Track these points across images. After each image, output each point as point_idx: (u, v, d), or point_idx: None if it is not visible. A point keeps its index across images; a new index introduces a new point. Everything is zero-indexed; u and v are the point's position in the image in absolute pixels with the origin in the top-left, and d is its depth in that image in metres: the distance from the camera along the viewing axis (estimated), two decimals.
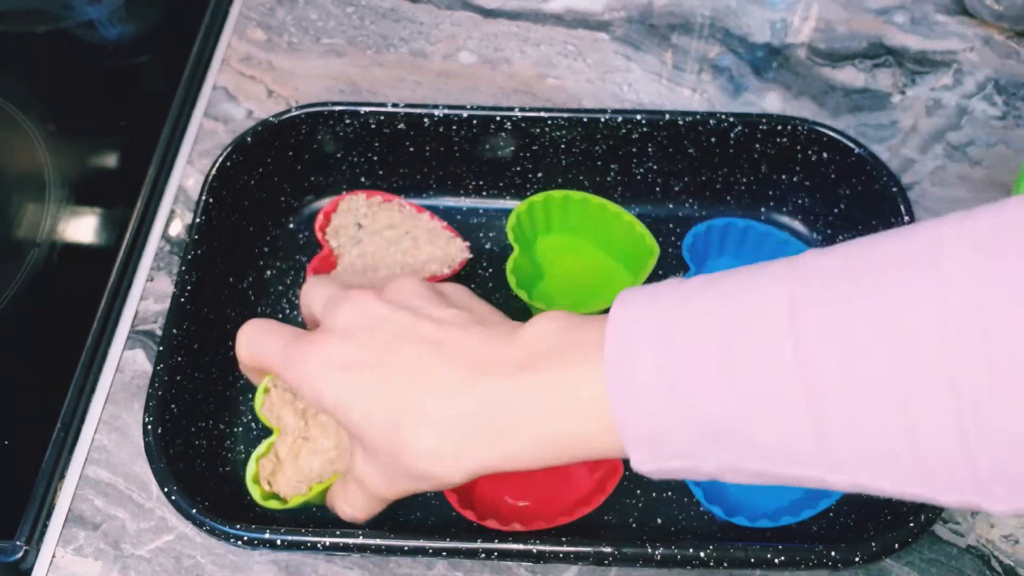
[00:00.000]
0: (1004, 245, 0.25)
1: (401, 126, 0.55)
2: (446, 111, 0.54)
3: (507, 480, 0.48)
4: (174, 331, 0.47)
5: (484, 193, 0.58)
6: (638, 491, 0.48)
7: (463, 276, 0.55)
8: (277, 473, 0.46)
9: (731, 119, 0.53)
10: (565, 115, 0.53)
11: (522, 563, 0.46)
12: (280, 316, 0.54)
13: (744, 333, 0.28)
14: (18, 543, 0.46)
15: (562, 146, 0.55)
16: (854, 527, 0.46)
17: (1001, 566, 0.45)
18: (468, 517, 0.44)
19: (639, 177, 0.57)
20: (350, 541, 0.41)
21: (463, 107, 0.54)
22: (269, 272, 0.56)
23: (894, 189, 0.51)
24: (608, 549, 0.40)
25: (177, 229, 0.58)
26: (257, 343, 0.40)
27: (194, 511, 0.42)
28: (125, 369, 0.52)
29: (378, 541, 0.41)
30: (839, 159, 0.53)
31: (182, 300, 0.48)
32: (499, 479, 0.48)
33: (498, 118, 0.54)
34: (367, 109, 0.54)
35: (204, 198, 0.52)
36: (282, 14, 0.68)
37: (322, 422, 0.47)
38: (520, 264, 0.53)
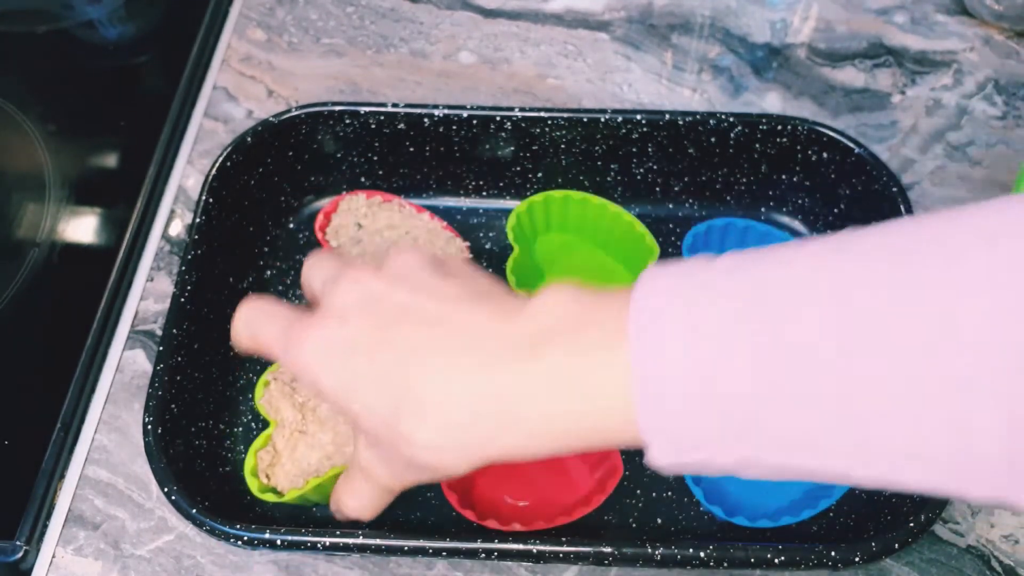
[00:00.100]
0: None
1: (401, 126, 0.55)
2: (446, 111, 0.54)
3: (507, 480, 0.48)
4: (174, 331, 0.47)
5: (484, 193, 0.58)
6: (638, 491, 0.48)
7: None
8: (275, 466, 0.46)
9: (731, 119, 0.53)
10: (565, 115, 0.53)
11: (522, 563, 0.46)
12: None
13: (781, 317, 0.26)
14: (18, 543, 0.46)
15: (562, 146, 0.55)
16: (854, 527, 0.46)
17: (1001, 566, 0.45)
18: (468, 517, 0.44)
19: (639, 177, 0.57)
20: (350, 541, 0.41)
21: (463, 107, 0.54)
22: (269, 272, 0.56)
23: (894, 189, 0.51)
24: (608, 549, 0.40)
25: (177, 229, 0.58)
26: (255, 325, 0.38)
27: (194, 511, 0.42)
28: (125, 369, 0.52)
29: (378, 541, 0.41)
30: (839, 159, 0.53)
31: (182, 300, 0.48)
32: (499, 479, 0.48)
33: (498, 118, 0.54)
34: (367, 109, 0.54)
35: (204, 198, 0.52)
36: (282, 14, 0.68)
37: (320, 416, 0.47)
38: (520, 264, 0.53)
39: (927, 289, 0.25)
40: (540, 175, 0.57)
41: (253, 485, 0.44)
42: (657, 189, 0.57)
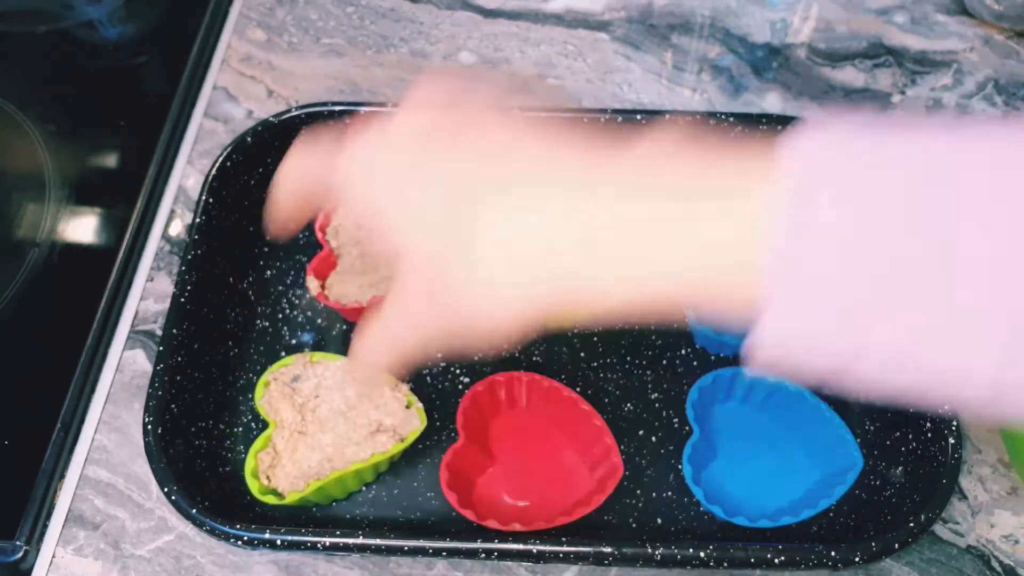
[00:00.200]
0: None
1: None
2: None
3: (507, 480, 0.48)
4: (174, 331, 0.47)
5: None
6: (638, 491, 0.48)
7: None
8: (275, 467, 0.46)
9: (731, 119, 0.53)
10: (565, 115, 0.53)
11: (522, 563, 0.46)
12: (280, 316, 0.54)
13: (929, 181, 0.24)
14: (18, 543, 0.46)
15: None
16: (854, 527, 0.46)
17: (1001, 566, 0.45)
18: (468, 517, 0.44)
19: None
20: (350, 541, 0.41)
21: None
22: (269, 272, 0.56)
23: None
24: (608, 549, 0.40)
25: (177, 229, 0.58)
26: (302, 168, 0.34)
27: (194, 511, 0.42)
28: (125, 369, 0.52)
29: (378, 541, 0.41)
30: None
31: (182, 300, 0.48)
32: (499, 479, 0.48)
33: None
34: (367, 109, 0.54)
35: (204, 198, 0.52)
36: (282, 14, 0.68)
37: (320, 417, 0.47)
38: None
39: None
40: None
41: (254, 487, 0.45)
42: None
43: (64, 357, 0.51)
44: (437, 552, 0.41)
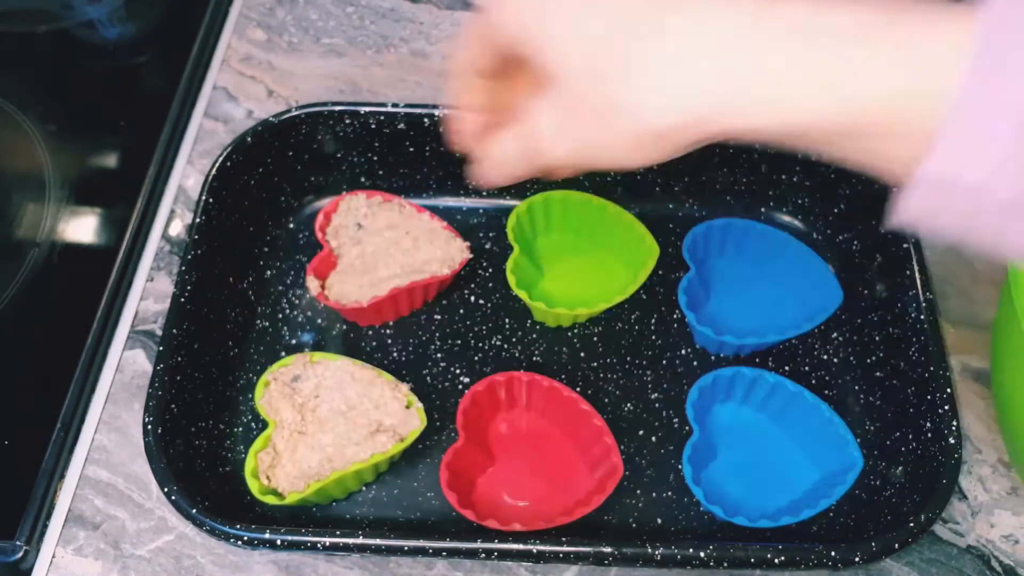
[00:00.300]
0: None
1: (401, 126, 0.55)
2: (446, 111, 0.54)
3: (507, 480, 0.48)
4: (174, 331, 0.47)
5: (484, 193, 0.58)
6: (638, 491, 0.48)
7: (463, 276, 0.55)
8: (275, 467, 0.46)
9: None
10: None
11: (522, 563, 0.46)
12: (280, 316, 0.54)
13: None
14: (18, 543, 0.46)
15: None
16: (854, 527, 0.46)
17: (1001, 566, 0.45)
18: (468, 517, 0.44)
19: (639, 177, 0.57)
20: (350, 541, 0.41)
21: None
22: (269, 272, 0.56)
23: (895, 189, 0.51)
24: (608, 549, 0.40)
25: (177, 229, 0.58)
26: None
27: (194, 511, 0.42)
28: (125, 369, 0.52)
29: (378, 541, 0.41)
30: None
31: (182, 300, 0.48)
32: (499, 479, 0.48)
33: None
34: (367, 109, 0.54)
35: (204, 198, 0.52)
36: (282, 14, 0.68)
37: (320, 417, 0.47)
38: (520, 264, 0.53)
39: None
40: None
41: (254, 487, 0.45)
42: (657, 189, 0.57)
43: (64, 357, 0.51)
44: (437, 552, 0.41)
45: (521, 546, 0.40)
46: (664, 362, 0.52)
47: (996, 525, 0.47)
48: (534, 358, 0.53)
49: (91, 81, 0.65)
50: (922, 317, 0.47)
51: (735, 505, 0.46)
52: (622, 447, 0.48)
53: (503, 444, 0.49)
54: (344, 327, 0.54)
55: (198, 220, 0.51)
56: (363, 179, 0.58)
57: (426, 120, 0.54)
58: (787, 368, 0.52)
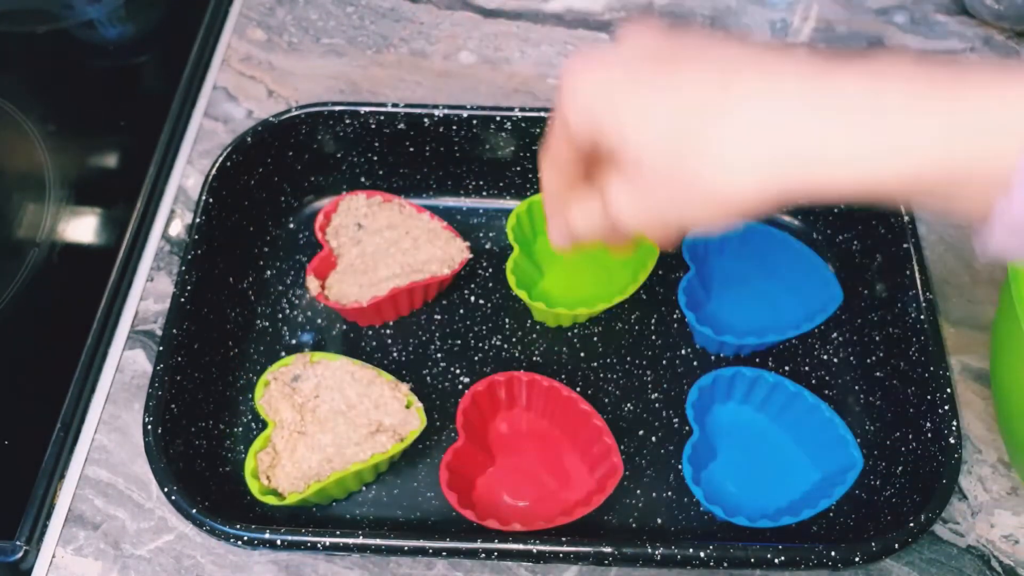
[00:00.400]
0: None
1: (401, 126, 0.55)
2: (446, 111, 0.54)
3: (507, 480, 0.48)
4: (174, 331, 0.47)
5: (484, 193, 0.58)
6: (638, 491, 0.48)
7: (463, 276, 0.55)
8: (275, 467, 0.46)
9: None
10: None
11: (522, 563, 0.46)
12: (280, 316, 0.54)
13: None
14: (18, 543, 0.46)
15: None
16: (854, 527, 0.46)
17: (1001, 566, 0.45)
18: (468, 517, 0.44)
19: None
20: (350, 541, 0.41)
21: (463, 107, 0.54)
22: (269, 272, 0.56)
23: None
24: (608, 549, 0.40)
25: (177, 229, 0.58)
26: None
27: (194, 511, 0.42)
28: (125, 369, 0.52)
29: (378, 541, 0.41)
30: None
31: (182, 300, 0.48)
32: (499, 479, 0.48)
33: (498, 118, 0.54)
34: (367, 109, 0.54)
35: (204, 198, 0.52)
36: (282, 14, 0.68)
37: (320, 417, 0.47)
38: (520, 264, 0.53)
39: None
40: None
41: (254, 487, 0.45)
42: None
43: (64, 357, 0.51)
44: (437, 552, 0.41)
45: (521, 546, 0.40)
46: (664, 362, 0.52)
47: (996, 525, 0.47)
48: (534, 358, 0.53)
49: (91, 81, 0.65)
50: (922, 317, 0.47)
51: (735, 505, 0.46)
52: (622, 447, 0.48)
53: (503, 444, 0.49)
54: (344, 327, 0.54)
55: (198, 220, 0.51)
56: (363, 179, 0.58)
57: (426, 120, 0.54)
58: (787, 368, 0.52)
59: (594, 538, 0.41)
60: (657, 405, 0.51)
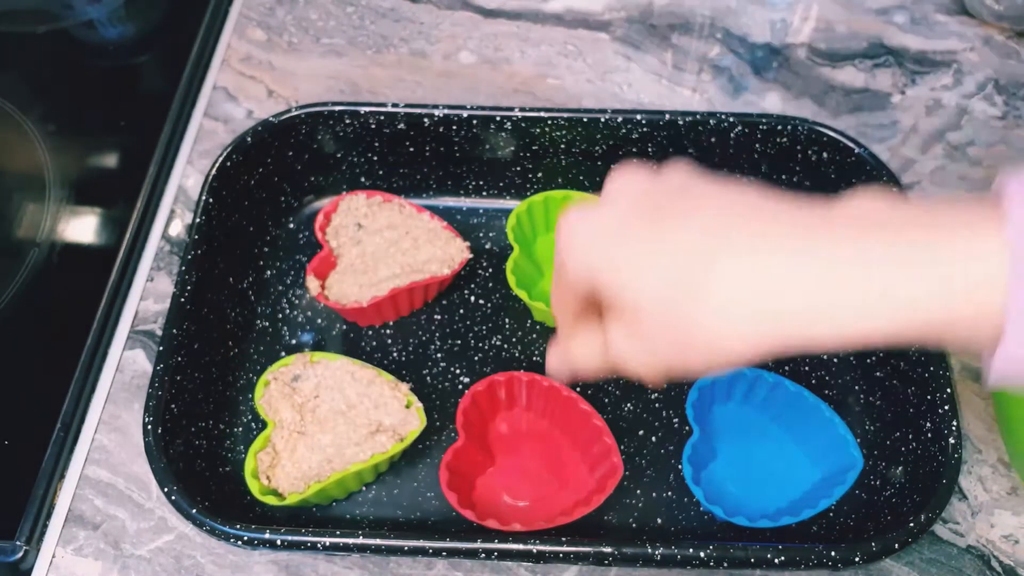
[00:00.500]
0: None
1: (401, 126, 0.55)
2: (446, 111, 0.54)
3: (507, 480, 0.48)
4: (174, 331, 0.47)
5: (484, 193, 0.58)
6: (638, 491, 0.48)
7: (463, 276, 0.55)
8: (275, 467, 0.46)
9: (731, 119, 0.53)
10: (565, 115, 0.53)
11: (522, 563, 0.46)
12: (280, 316, 0.54)
13: None
14: (18, 543, 0.46)
15: (562, 146, 0.55)
16: (854, 527, 0.46)
17: (1001, 566, 0.45)
18: (468, 517, 0.44)
19: None
20: (350, 541, 0.41)
21: (463, 107, 0.54)
22: (269, 272, 0.56)
23: (894, 189, 0.51)
24: (608, 549, 0.40)
25: (177, 229, 0.58)
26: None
27: (194, 511, 0.42)
28: (125, 369, 0.52)
29: (378, 541, 0.41)
30: (839, 159, 0.53)
31: (182, 300, 0.48)
32: (499, 479, 0.48)
33: (498, 118, 0.54)
34: (367, 109, 0.54)
35: (204, 198, 0.52)
36: (282, 14, 0.68)
37: (319, 417, 0.47)
38: (520, 264, 0.53)
39: None
40: (540, 175, 0.57)
41: (254, 487, 0.45)
42: None
43: (64, 357, 0.51)
44: (437, 552, 0.41)
45: (521, 546, 0.40)
46: None
47: (996, 525, 0.46)
48: (534, 358, 0.53)
49: (91, 81, 0.65)
50: None
51: (735, 505, 0.46)
52: (622, 447, 0.48)
53: (503, 444, 0.49)
54: (344, 327, 0.54)
55: (198, 220, 0.51)
56: (363, 179, 0.58)
57: (426, 120, 0.54)
58: (787, 368, 0.52)
59: (594, 538, 0.41)
60: (657, 405, 0.51)
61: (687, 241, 0.30)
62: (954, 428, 0.44)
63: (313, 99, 0.61)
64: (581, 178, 0.57)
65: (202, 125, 0.62)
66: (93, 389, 0.51)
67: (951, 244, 0.28)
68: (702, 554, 0.40)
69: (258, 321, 0.54)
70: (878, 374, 0.50)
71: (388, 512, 0.48)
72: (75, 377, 0.50)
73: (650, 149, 0.55)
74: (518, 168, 0.57)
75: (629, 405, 0.51)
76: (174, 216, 0.58)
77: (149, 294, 0.55)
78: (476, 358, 0.53)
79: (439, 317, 0.54)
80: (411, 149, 0.56)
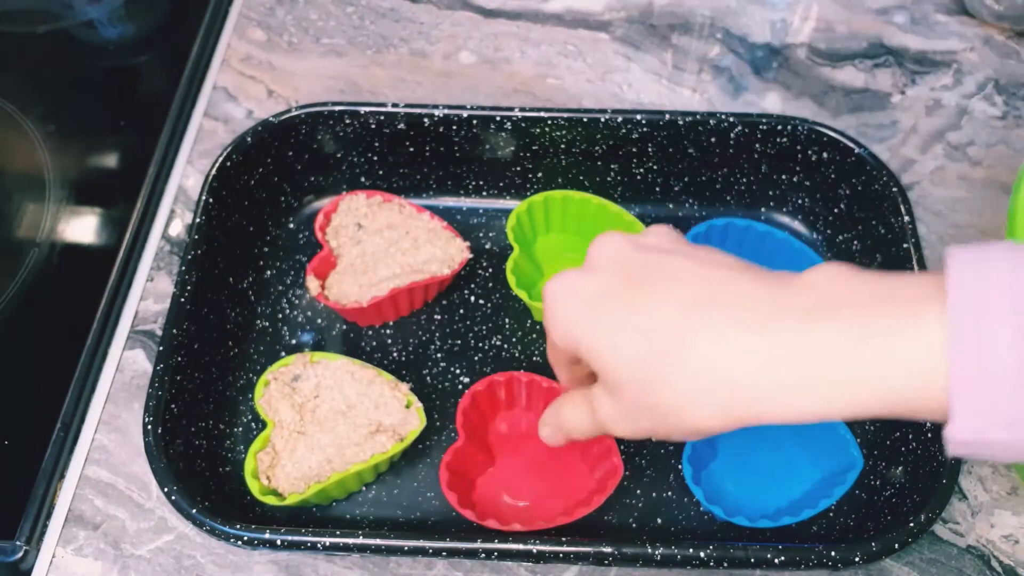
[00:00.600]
0: None
1: (401, 126, 0.55)
2: (446, 111, 0.54)
3: (507, 480, 0.48)
4: (174, 331, 0.47)
5: (484, 193, 0.58)
6: (638, 491, 0.48)
7: (463, 276, 0.55)
8: (275, 467, 0.46)
9: (731, 119, 0.53)
10: (565, 115, 0.53)
11: (522, 563, 0.46)
12: (280, 316, 0.54)
13: None
14: (18, 543, 0.46)
15: (562, 146, 0.55)
16: (854, 527, 0.46)
17: (1001, 566, 0.45)
18: (468, 517, 0.44)
19: (639, 177, 0.57)
20: (350, 541, 0.41)
21: (463, 107, 0.54)
22: (269, 272, 0.56)
23: (894, 189, 0.51)
24: (608, 549, 0.40)
25: (177, 229, 0.58)
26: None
27: (194, 511, 0.42)
28: (125, 369, 0.52)
29: (378, 541, 0.41)
30: (839, 159, 0.53)
31: (182, 300, 0.48)
32: (499, 479, 0.48)
33: (498, 118, 0.54)
34: (367, 109, 0.54)
35: (204, 198, 0.52)
36: (282, 14, 0.68)
37: (319, 417, 0.47)
38: (520, 264, 0.53)
39: None
40: (540, 175, 0.57)
41: (254, 487, 0.45)
42: (657, 189, 0.57)
43: (64, 357, 0.51)
44: (437, 552, 0.41)
45: (521, 546, 0.40)
46: None
47: (996, 525, 0.46)
48: (534, 358, 0.53)
49: (91, 81, 0.65)
50: None
51: (735, 505, 0.46)
52: (622, 447, 0.48)
53: (503, 444, 0.49)
54: (344, 327, 0.54)
55: (198, 220, 0.51)
56: (363, 179, 0.58)
57: (426, 120, 0.54)
58: None
59: (594, 538, 0.41)
60: None
61: (661, 316, 0.32)
62: None
63: (313, 99, 0.61)
64: (581, 178, 0.57)
65: (202, 125, 0.62)
66: (93, 389, 0.51)
67: (897, 323, 0.29)
68: (702, 554, 0.40)
69: (258, 321, 0.54)
70: None
71: (388, 512, 0.48)
72: (75, 377, 0.50)
73: (650, 149, 0.55)
74: (518, 168, 0.57)
75: None
76: (174, 216, 0.58)
77: (149, 294, 0.55)
78: (476, 358, 0.53)
79: (439, 317, 0.54)
80: (411, 149, 0.56)
